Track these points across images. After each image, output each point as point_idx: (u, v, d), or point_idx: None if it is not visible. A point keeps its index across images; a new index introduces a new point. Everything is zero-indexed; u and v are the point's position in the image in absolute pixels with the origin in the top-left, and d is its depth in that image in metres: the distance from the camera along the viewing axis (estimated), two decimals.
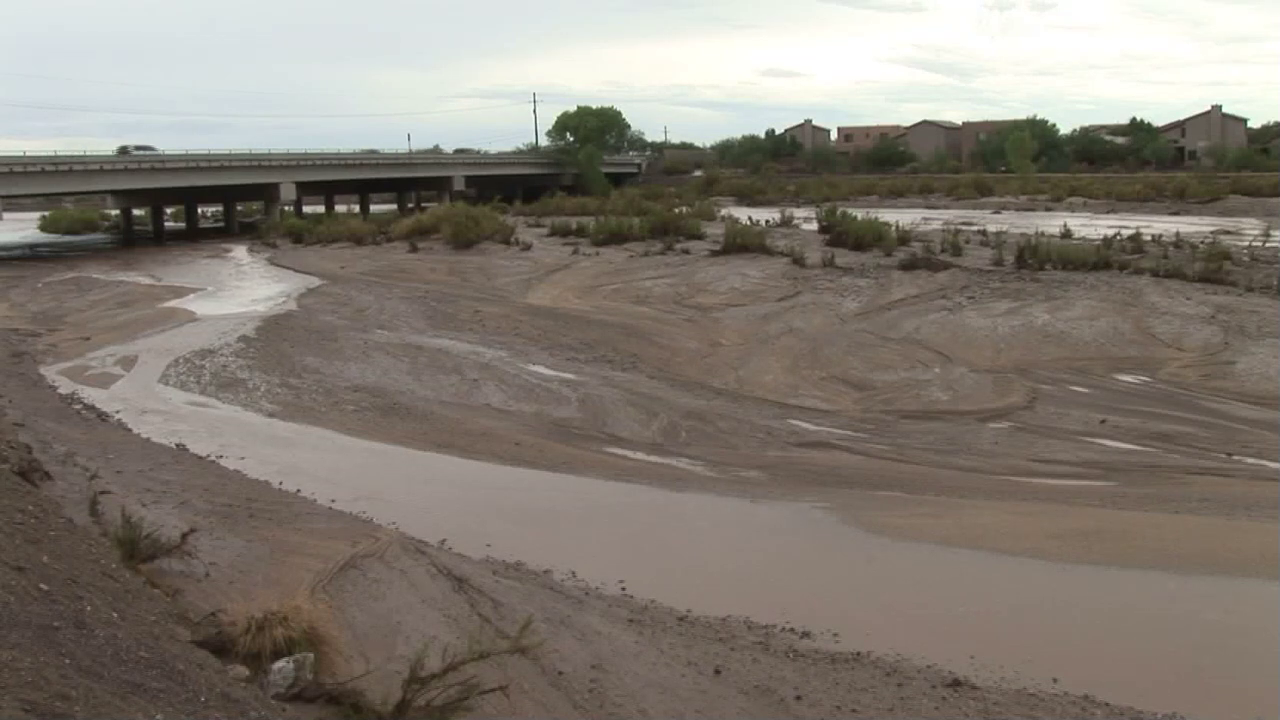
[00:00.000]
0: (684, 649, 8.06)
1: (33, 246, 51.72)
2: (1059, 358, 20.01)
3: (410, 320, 25.32)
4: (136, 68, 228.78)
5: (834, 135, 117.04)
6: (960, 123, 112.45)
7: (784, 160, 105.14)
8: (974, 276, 27.04)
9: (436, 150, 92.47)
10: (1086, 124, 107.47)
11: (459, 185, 73.32)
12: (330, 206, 68.99)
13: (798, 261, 30.06)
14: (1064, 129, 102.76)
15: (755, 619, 8.77)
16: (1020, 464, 13.99)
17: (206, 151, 56.99)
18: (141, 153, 55.36)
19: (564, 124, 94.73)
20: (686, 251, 33.70)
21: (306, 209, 65.99)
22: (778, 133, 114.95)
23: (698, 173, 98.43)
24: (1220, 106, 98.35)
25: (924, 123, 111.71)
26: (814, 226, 39.72)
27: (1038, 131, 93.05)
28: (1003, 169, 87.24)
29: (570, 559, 10.14)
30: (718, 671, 7.70)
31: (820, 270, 28.95)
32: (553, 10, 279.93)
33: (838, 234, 34.66)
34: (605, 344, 22.03)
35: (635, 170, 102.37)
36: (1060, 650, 8.32)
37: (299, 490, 12.31)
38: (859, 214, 38.71)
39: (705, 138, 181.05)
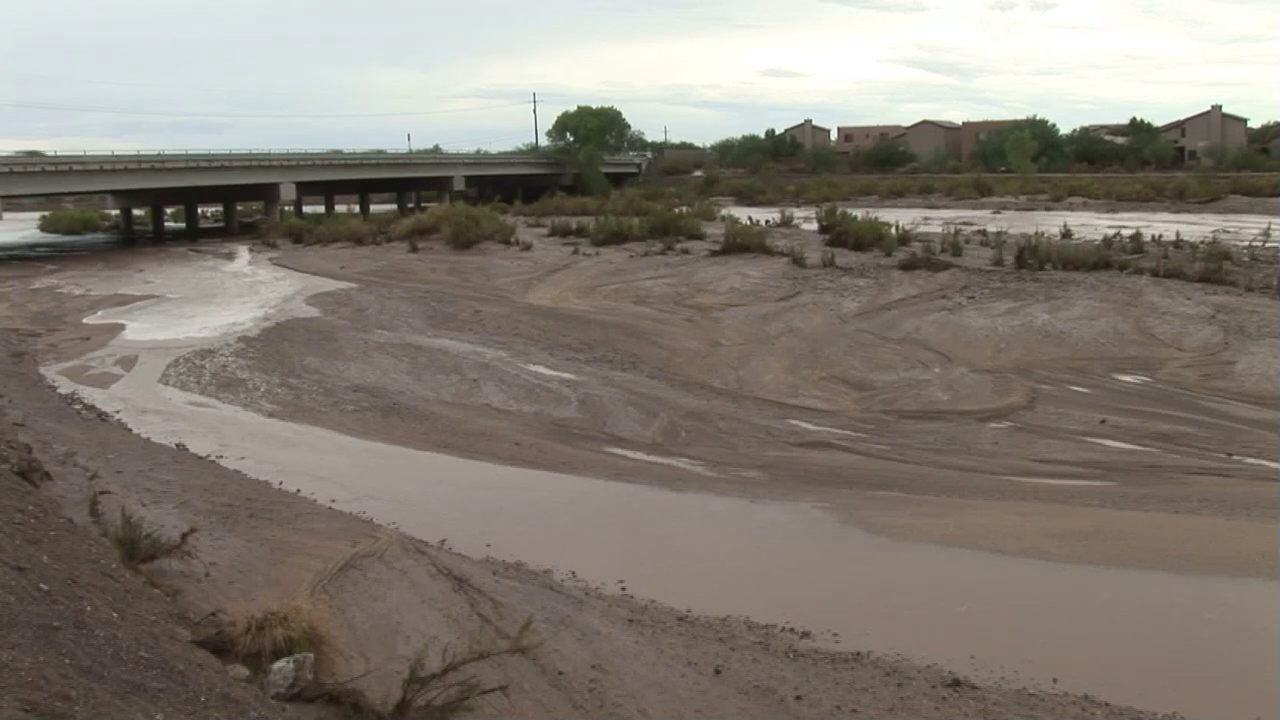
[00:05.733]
0: (684, 649, 8.06)
1: (31, 246, 51.69)
2: (1059, 358, 20.01)
3: (410, 320, 25.31)
4: (136, 68, 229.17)
5: (834, 135, 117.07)
6: (960, 123, 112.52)
7: (784, 160, 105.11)
8: (974, 276, 27.05)
9: (436, 150, 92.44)
10: (1086, 124, 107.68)
11: (459, 185, 73.31)
12: (330, 206, 68.94)
13: (798, 261, 30.07)
14: (1064, 129, 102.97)
15: (755, 619, 8.77)
16: (1020, 464, 13.99)
17: (206, 151, 57.05)
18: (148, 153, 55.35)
19: (564, 124, 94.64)
20: (686, 251, 33.70)
21: (306, 209, 65.97)
22: (778, 133, 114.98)
23: (698, 173, 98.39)
24: (1220, 106, 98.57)
25: (924, 123, 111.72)
26: (814, 226, 39.73)
27: (1038, 131, 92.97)
28: (1003, 169, 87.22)
29: (570, 559, 10.14)
30: (718, 671, 7.70)
31: (820, 270, 28.95)
32: (553, 10, 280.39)
33: (838, 234, 34.68)
34: (605, 344, 22.04)
35: (635, 170, 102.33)
36: (1060, 650, 8.32)
37: (299, 490, 12.31)
38: (859, 214, 38.73)
39: (705, 138, 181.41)
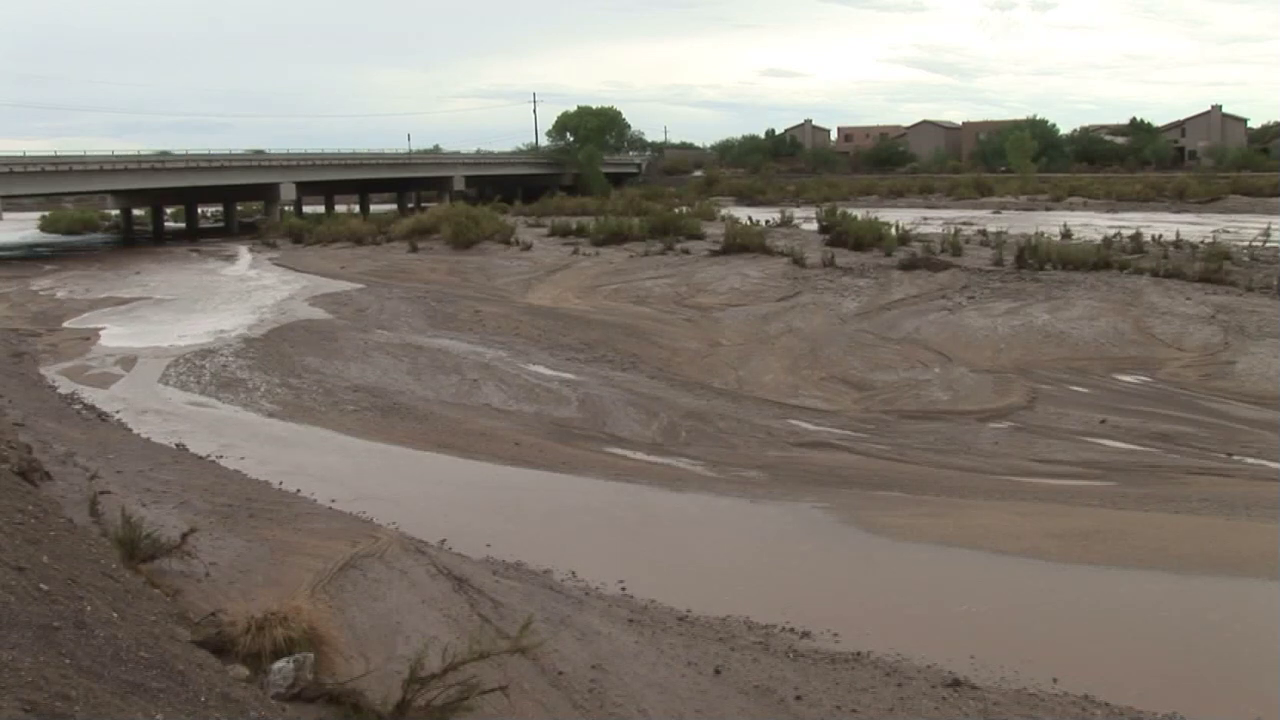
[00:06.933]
0: (684, 649, 8.06)
1: (31, 246, 51.70)
2: (1059, 358, 20.01)
3: (410, 320, 25.31)
4: (136, 68, 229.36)
5: (834, 135, 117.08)
6: (960, 123, 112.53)
7: (784, 160, 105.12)
8: (974, 276, 27.05)
9: (436, 150, 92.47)
10: (1086, 124, 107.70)
11: (459, 185, 73.34)
12: (330, 206, 68.97)
13: (798, 261, 30.07)
14: (1064, 129, 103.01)
15: (755, 619, 8.77)
16: (1020, 464, 13.99)
17: (206, 151, 57.09)
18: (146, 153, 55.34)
19: (564, 124, 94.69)
20: (686, 251, 33.70)
21: (306, 209, 66.00)
22: (778, 133, 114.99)
23: (698, 173, 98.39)
24: (1220, 106, 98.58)
25: (924, 123, 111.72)
26: (814, 226, 39.72)
27: (1038, 131, 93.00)
28: (1003, 169, 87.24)
29: (570, 559, 10.14)
30: (718, 671, 7.70)
31: (820, 270, 28.95)
32: (553, 10, 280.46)
33: (838, 234, 34.68)
34: (605, 344, 22.03)
35: (635, 170, 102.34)
36: (1060, 650, 8.33)
37: (299, 490, 12.31)
38: (859, 214, 38.72)
39: (705, 138, 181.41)
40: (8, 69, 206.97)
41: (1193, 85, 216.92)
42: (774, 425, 16.02)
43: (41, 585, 5.71)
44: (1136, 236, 34.49)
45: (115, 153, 52.76)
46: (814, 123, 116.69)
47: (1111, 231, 36.66)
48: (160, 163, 52.89)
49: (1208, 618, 9.01)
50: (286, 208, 60.32)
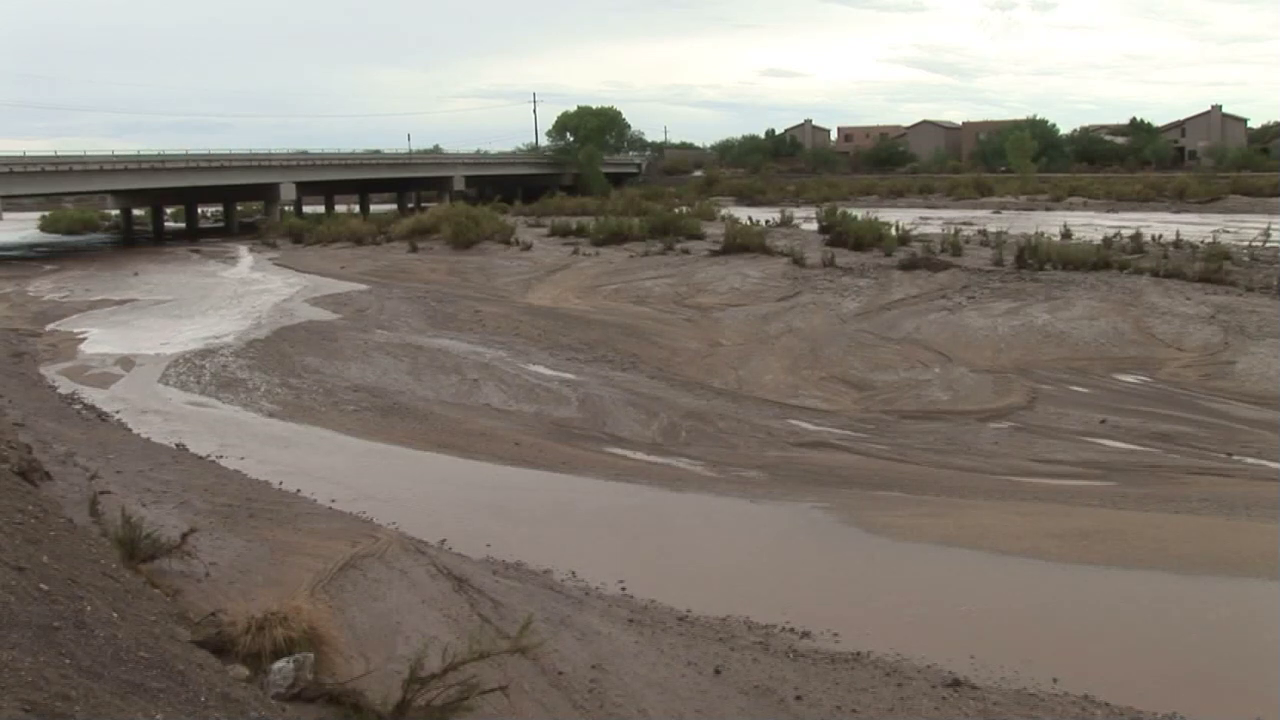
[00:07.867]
0: (684, 649, 8.06)
1: (31, 246, 51.70)
2: (1059, 358, 20.01)
3: (410, 320, 25.31)
4: (136, 68, 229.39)
5: (834, 135, 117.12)
6: (960, 123, 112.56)
7: (784, 160, 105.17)
8: (974, 276, 27.05)
9: (437, 150, 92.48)
10: (1086, 124, 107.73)
11: (459, 185, 73.38)
12: (330, 206, 69.01)
13: (798, 261, 30.09)
14: (1064, 129, 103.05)
15: (755, 619, 8.77)
16: (1020, 464, 13.99)
17: (206, 151, 57.04)
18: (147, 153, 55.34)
19: (564, 124, 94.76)
20: (686, 251, 33.72)
21: (306, 209, 66.02)
22: (778, 133, 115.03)
23: (698, 173, 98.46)
24: (1220, 106, 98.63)
25: (924, 123, 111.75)
26: (814, 226, 39.76)
27: (1038, 131, 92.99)
28: (1003, 169, 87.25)
29: (570, 559, 10.14)
30: (718, 671, 7.70)
31: (820, 270, 28.96)
32: (553, 10, 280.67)
33: (838, 234, 34.71)
34: (605, 344, 22.03)
35: (635, 170, 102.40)
36: (1060, 650, 8.32)
37: (299, 490, 12.31)
38: (859, 214, 38.75)
39: (705, 138, 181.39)
40: (8, 69, 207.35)
41: (1193, 85, 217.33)
42: (774, 425, 16.02)
43: (41, 585, 5.71)
44: (1136, 236, 34.52)
45: (115, 153, 52.73)
46: (814, 123, 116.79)
47: (1111, 231, 36.66)
48: (160, 163, 52.85)
49: (1208, 618, 9.01)
50: (286, 208, 60.34)
